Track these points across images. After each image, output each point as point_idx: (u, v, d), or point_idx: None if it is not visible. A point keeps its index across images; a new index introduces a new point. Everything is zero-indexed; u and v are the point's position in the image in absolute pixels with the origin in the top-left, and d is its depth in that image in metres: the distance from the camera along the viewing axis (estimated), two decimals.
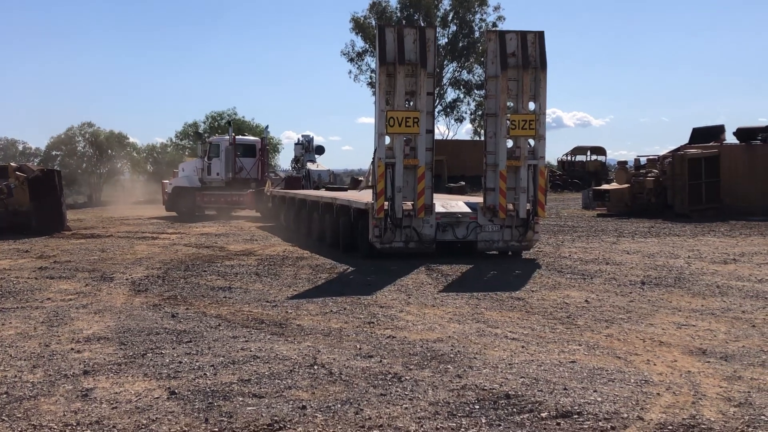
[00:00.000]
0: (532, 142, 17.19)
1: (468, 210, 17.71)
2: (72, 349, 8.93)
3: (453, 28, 71.35)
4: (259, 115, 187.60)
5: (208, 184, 35.57)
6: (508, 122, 17.04)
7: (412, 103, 16.73)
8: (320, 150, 39.57)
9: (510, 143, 17.24)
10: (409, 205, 16.83)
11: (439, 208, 17.39)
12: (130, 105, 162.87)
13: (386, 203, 16.51)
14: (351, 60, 73.14)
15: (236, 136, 36.83)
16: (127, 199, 57.20)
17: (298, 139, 38.70)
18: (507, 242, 17.55)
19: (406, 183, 16.65)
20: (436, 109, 72.26)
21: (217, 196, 35.12)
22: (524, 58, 16.93)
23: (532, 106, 17.12)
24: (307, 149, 38.26)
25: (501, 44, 16.98)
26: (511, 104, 17.17)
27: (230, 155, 35.22)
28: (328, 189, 28.50)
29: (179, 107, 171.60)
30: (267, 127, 39.74)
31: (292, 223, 25.51)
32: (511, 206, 17.20)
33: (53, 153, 71.58)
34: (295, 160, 38.41)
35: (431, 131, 17.19)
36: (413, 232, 16.97)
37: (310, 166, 37.26)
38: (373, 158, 16.84)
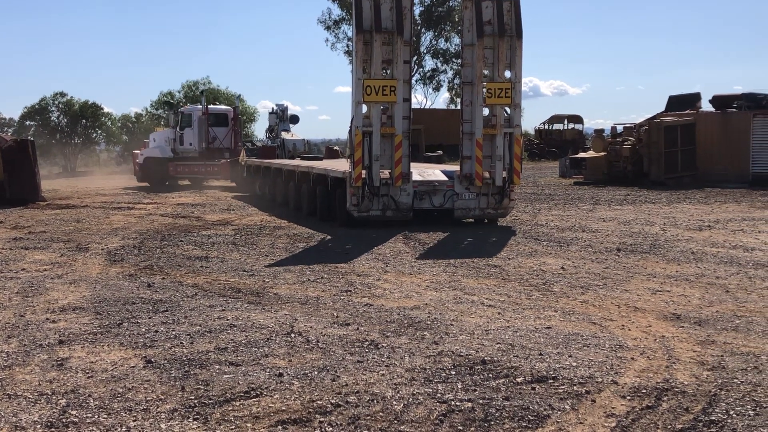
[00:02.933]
0: (508, 110, 17.36)
1: (445, 178, 17.89)
2: (47, 319, 8.88)
3: None
4: (234, 84, 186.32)
5: (181, 154, 35.29)
6: (484, 90, 17.22)
7: (389, 72, 16.77)
8: (295, 119, 39.10)
9: (486, 111, 17.40)
10: (386, 173, 16.92)
11: (416, 177, 17.54)
12: (105, 75, 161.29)
13: (364, 172, 16.62)
14: (328, 28, 72.46)
15: (209, 106, 36.48)
16: (102, 169, 56.80)
17: (273, 108, 38.18)
18: (483, 210, 17.78)
19: (384, 151, 16.79)
20: (414, 78, 72.59)
21: (191, 167, 34.79)
22: (500, 27, 17.02)
23: (508, 74, 17.24)
24: (282, 118, 37.70)
25: (477, 12, 17.04)
26: (487, 72, 17.32)
27: (203, 125, 34.92)
28: (303, 158, 28.23)
29: (154, 77, 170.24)
30: (239, 96, 39.49)
31: (267, 193, 25.47)
32: (487, 174, 17.36)
33: (27, 123, 70.69)
34: (270, 129, 37.89)
35: (408, 100, 17.29)
36: (391, 200, 17.11)
37: (284, 135, 36.76)
38: (351, 127, 16.77)
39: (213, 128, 35.22)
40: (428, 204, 17.58)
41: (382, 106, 16.70)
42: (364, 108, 16.69)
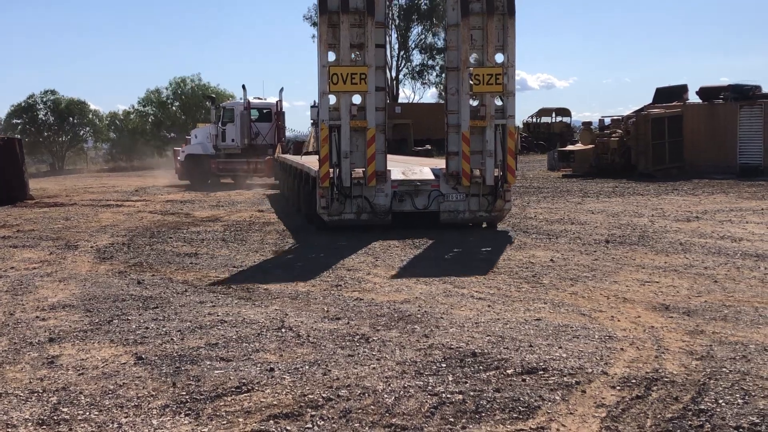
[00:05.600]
0: (500, 99, 15.45)
1: (431, 177, 16.07)
2: (37, 317, 8.86)
3: None
4: (226, 81, 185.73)
5: (223, 150, 33.61)
6: (471, 77, 15.27)
7: (360, 57, 15.09)
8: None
9: (475, 101, 15.51)
10: (359, 172, 15.30)
11: (397, 175, 15.87)
12: (91, 72, 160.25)
13: (332, 170, 15.04)
14: (314, 24, 72.43)
15: (251, 100, 34.45)
16: (90, 167, 56.54)
17: (314, 101, 36.89)
18: (474, 213, 15.84)
19: (356, 147, 15.15)
20: (402, 73, 72.47)
21: (233, 164, 33.12)
22: (489, 3, 15.10)
23: (500, 57, 15.30)
24: None
25: None
26: (476, 56, 15.44)
27: (245, 120, 33.32)
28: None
29: (141, 74, 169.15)
30: (282, 89, 37.41)
31: (286, 190, 24.00)
32: (477, 172, 15.53)
33: (14, 121, 70.37)
34: (314, 123, 36.66)
35: (382, 89, 15.72)
36: (365, 202, 15.42)
37: None
38: (315, 120, 15.56)
39: (256, 123, 33.66)
40: (410, 206, 15.69)
41: (353, 96, 15.07)
42: (332, 99, 15.08)
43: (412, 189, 15.73)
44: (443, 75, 71.23)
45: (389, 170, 15.68)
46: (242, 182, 32.69)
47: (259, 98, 34.71)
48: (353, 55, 15.01)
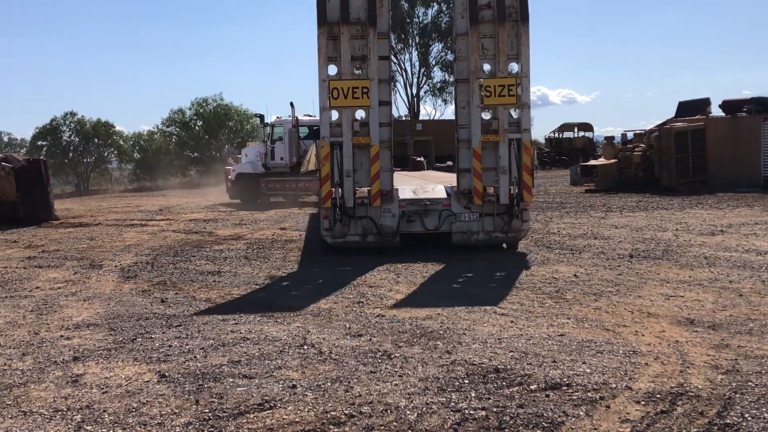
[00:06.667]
0: (514, 112, 14.50)
1: (441, 196, 15.11)
2: (61, 336, 8.92)
3: (435, 7, 70.89)
4: (248, 100, 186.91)
5: (272, 169, 32.86)
6: (480, 88, 14.33)
7: (363, 71, 14.40)
8: None
9: (487, 115, 14.58)
10: (364, 191, 14.51)
11: (406, 194, 15.09)
12: (115, 94, 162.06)
13: (334, 190, 14.32)
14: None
15: (299, 117, 33.27)
16: (115, 187, 56.89)
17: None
18: (489, 233, 14.71)
19: (360, 165, 14.45)
20: (423, 90, 72.63)
21: (282, 182, 32.25)
22: (500, 9, 14.23)
23: (513, 67, 14.39)
24: None
25: None
26: (488, 67, 14.49)
27: (293, 138, 32.38)
28: None
29: (164, 95, 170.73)
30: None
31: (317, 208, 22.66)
32: (491, 190, 14.48)
33: (39, 143, 71.10)
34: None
35: (387, 103, 14.85)
36: (371, 223, 14.61)
37: None
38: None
39: (305, 141, 32.46)
40: (419, 227, 14.78)
41: (356, 111, 14.40)
42: (334, 114, 14.43)
43: (421, 209, 14.82)
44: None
45: (397, 189, 15.02)
46: (294, 201, 31.70)
47: (308, 115, 34.29)
48: (355, 69, 14.40)
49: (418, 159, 32.64)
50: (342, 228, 14.44)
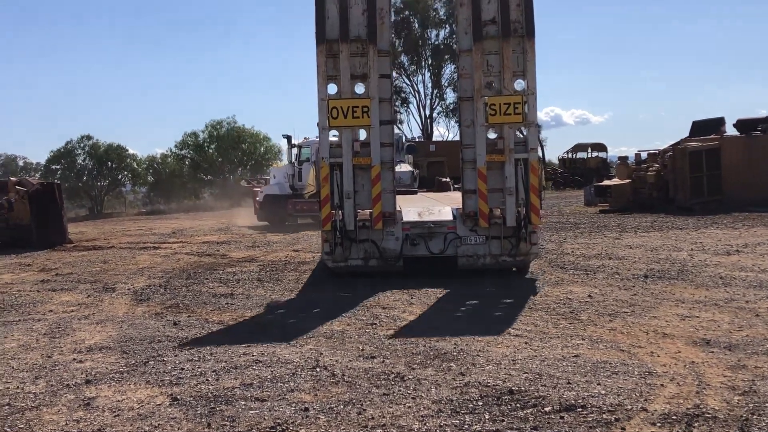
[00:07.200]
0: (522, 131, 13.97)
1: (446, 218, 14.58)
2: (74, 359, 8.92)
3: (447, 28, 71.17)
4: (260, 123, 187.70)
5: (300, 191, 32.18)
6: (485, 107, 13.80)
7: (364, 89, 13.99)
8: (411, 149, 35.92)
9: (493, 134, 14.03)
10: (366, 214, 14.09)
11: (410, 216, 14.62)
12: (128, 117, 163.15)
13: (334, 212, 13.97)
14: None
15: None
16: (129, 211, 57.06)
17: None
18: (496, 257, 14.13)
19: (362, 187, 14.06)
20: (436, 111, 72.79)
21: (310, 204, 30.98)
22: (505, 25, 13.70)
23: (520, 84, 13.84)
24: (397, 149, 35.19)
25: (475, 8, 13.88)
26: (492, 84, 13.91)
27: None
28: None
29: (178, 118, 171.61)
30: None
31: None
32: (498, 212, 13.90)
33: (53, 167, 71.50)
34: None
35: (390, 122, 14.35)
36: (373, 246, 14.18)
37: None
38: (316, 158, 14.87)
39: None
40: (423, 250, 14.28)
41: (356, 131, 14.06)
42: (333, 135, 14.17)
43: (426, 231, 14.31)
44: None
45: (400, 211, 14.62)
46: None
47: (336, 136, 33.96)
48: (355, 87, 14.00)
49: (444, 180, 32.48)
50: (343, 252, 14.07)
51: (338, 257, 14.08)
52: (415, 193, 25.20)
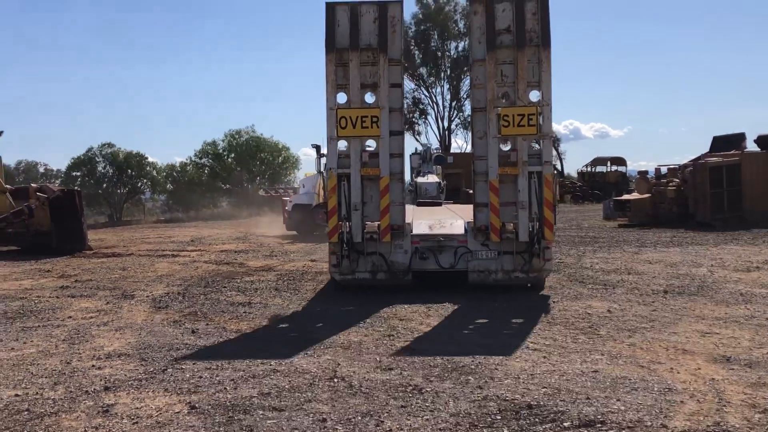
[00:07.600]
0: (537, 143, 13.58)
1: (457, 232, 14.30)
2: (93, 365, 8.95)
3: (467, 41, 71.20)
4: (279, 132, 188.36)
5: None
6: (498, 118, 13.38)
7: (374, 99, 13.69)
8: (440, 160, 35.73)
9: (506, 146, 13.74)
10: (374, 226, 13.86)
11: (420, 229, 14.36)
12: (149, 125, 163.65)
13: (342, 224, 13.69)
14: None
15: None
16: (148, 218, 57.25)
17: (415, 148, 34.77)
18: (509, 273, 13.77)
19: (370, 199, 13.74)
20: (454, 123, 72.85)
21: None
22: (520, 34, 13.36)
23: (535, 95, 13.45)
24: (425, 159, 34.53)
25: (489, 17, 13.50)
26: (507, 95, 13.58)
27: None
28: (419, 204, 25.15)
29: (197, 127, 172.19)
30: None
31: None
32: (511, 226, 13.65)
33: (73, 174, 71.96)
34: (416, 172, 34.46)
35: (400, 132, 14.08)
36: (381, 259, 13.89)
37: (419, 178, 32.88)
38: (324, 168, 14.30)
39: None
40: (433, 264, 13.99)
41: (365, 141, 13.81)
42: (342, 145, 13.81)
43: (435, 245, 14.01)
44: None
45: (410, 223, 14.34)
46: None
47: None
48: (365, 96, 13.69)
49: (471, 191, 32.38)
50: (350, 264, 13.83)
51: (345, 270, 13.87)
52: (439, 204, 24.97)
